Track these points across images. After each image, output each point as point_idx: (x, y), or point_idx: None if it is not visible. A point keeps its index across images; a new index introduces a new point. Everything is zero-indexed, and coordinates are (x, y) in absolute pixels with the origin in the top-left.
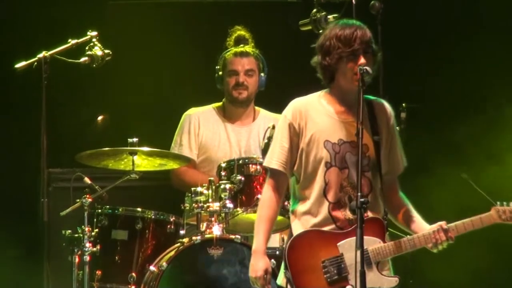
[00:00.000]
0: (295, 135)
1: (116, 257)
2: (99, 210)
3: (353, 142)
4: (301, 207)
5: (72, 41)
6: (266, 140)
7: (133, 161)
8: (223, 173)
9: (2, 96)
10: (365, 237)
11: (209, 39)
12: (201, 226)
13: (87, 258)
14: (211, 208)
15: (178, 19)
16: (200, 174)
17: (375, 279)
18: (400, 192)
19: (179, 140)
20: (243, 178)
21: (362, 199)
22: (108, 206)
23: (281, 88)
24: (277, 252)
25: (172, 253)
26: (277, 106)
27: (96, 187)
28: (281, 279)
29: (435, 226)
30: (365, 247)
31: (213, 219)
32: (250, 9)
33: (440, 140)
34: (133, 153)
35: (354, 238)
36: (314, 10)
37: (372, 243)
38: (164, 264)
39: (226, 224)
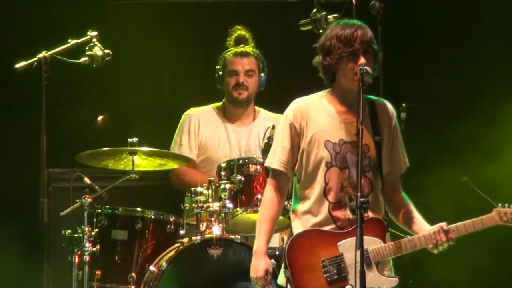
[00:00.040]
0: (296, 135)
1: (116, 257)
2: (99, 210)
3: (354, 142)
4: (302, 207)
5: (72, 41)
6: (266, 140)
7: (133, 161)
8: (223, 173)
9: (2, 96)
10: (365, 237)
11: (209, 39)
12: (201, 226)
13: (87, 258)
14: (211, 208)
15: (178, 19)
16: (200, 174)
17: (375, 279)
18: (402, 192)
19: (179, 140)
20: (243, 178)
21: (362, 199)
22: (108, 206)
23: (281, 88)
24: (277, 252)
25: (172, 253)
26: (277, 106)
27: (96, 187)
28: (281, 279)
29: (435, 227)
30: (365, 247)
31: (213, 219)
32: (250, 9)
33: (440, 140)
34: (133, 153)
35: (354, 238)
36: (314, 10)
37: (372, 243)
38: (164, 264)
39: (226, 224)
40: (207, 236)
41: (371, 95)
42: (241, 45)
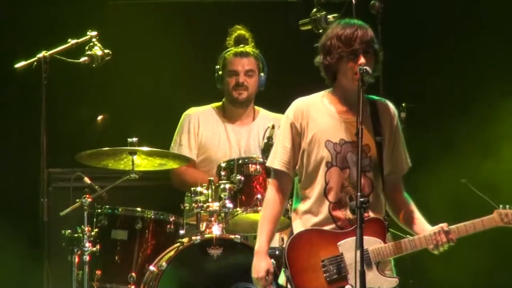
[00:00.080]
0: (297, 135)
1: (116, 257)
2: (99, 210)
3: (354, 142)
4: (302, 206)
5: (72, 41)
6: (265, 140)
7: (132, 161)
8: (222, 173)
9: (2, 96)
10: (365, 237)
11: (209, 39)
12: (200, 226)
13: (86, 258)
14: (210, 208)
15: (178, 19)
16: (200, 173)
17: (374, 279)
18: (405, 193)
19: (179, 139)
20: (242, 178)
21: (362, 199)
22: (107, 206)
23: (281, 88)
24: (277, 252)
25: (172, 253)
26: (277, 106)
27: (96, 187)
28: (282, 279)
29: (436, 228)
30: (365, 247)
31: (212, 219)
32: (250, 9)
33: (440, 139)
34: (133, 153)
35: (354, 237)
36: (314, 9)
37: (373, 243)
38: (164, 264)
39: (226, 224)
40: (207, 236)
41: (372, 95)
42: (241, 45)
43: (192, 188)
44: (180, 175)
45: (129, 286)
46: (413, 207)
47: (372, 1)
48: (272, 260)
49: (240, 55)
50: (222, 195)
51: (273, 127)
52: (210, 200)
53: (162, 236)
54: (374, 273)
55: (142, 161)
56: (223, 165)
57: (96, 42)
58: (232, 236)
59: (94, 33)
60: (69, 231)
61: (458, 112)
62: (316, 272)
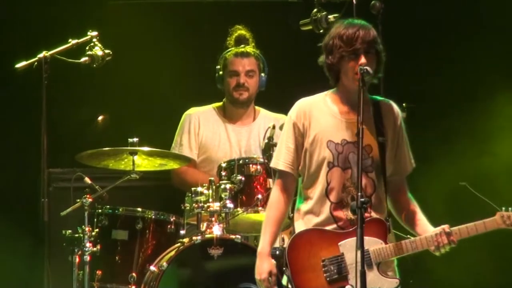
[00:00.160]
0: (299, 135)
1: (117, 257)
2: (100, 210)
3: (356, 142)
4: (304, 206)
5: (73, 41)
6: (266, 140)
7: (133, 161)
8: (223, 173)
9: (2, 96)
10: (366, 237)
11: (209, 39)
12: (201, 226)
13: (87, 258)
14: (211, 208)
15: (178, 19)
16: (200, 173)
17: (375, 279)
18: (409, 194)
19: (179, 140)
20: (243, 178)
21: (363, 199)
22: (108, 206)
23: (282, 88)
24: (278, 252)
25: (173, 253)
26: (277, 106)
27: (97, 187)
28: (285, 279)
29: (438, 229)
30: (366, 248)
31: (213, 219)
32: (250, 9)
33: (440, 139)
34: (134, 153)
35: (355, 238)
36: (315, 10)
37: (374, 244)
38: (165, 264)
39: (226, 224)
40: (207, 236)
41: (374, 95)
42: (242, 45)
43: (193, 188)
44: (180, 175)
45: (129, 286)
46: (416, 208)
47: (373, 1)
48: (273, 260)
49: (241, 55)
50: (222, 195)
51: (273, 127)
52: (210, 200)
53: (162, 236)
54: (375, 274)
55: (142, 161)
56: (223, 165)
57: (96, 42)
58: (233, 236)
59: (95, 33)
60: (69, 231)
61: (458, 112)
62: (316, 272)
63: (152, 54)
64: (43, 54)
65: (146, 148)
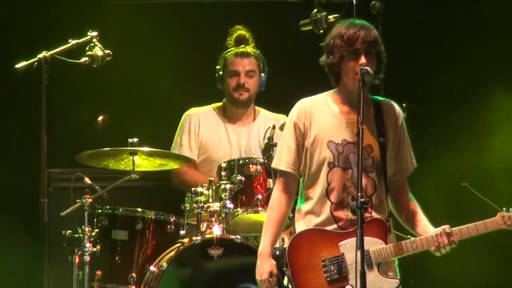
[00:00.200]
0: (300, 135)
1: (116, 257)
2: (99, 210)
3: (356, 143)
4: (305, 207)
5: (73, 41)
6: (266, 140)
7: (133, 161)
8: (223, 173)
9: (2, 96)
10: (367, 238)
11: (209, 39)
12: (201, 226)
13: (87, 258)
14: (211, 208)
15: (178, 19)
16: (200, 174)
17: (375, 280)
18: (410, 194)
19: (179, 140)
20: (243, 178)
21: (363, 199)
22: (108, 206)
23: (282, 88)
24: (277, 252)
25: (172, 253)
26: (277, 106)
27: (97, 187)
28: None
29: (438, 230)
30: (366, 248)
31: (213, 219)
32: (250, 9)
33: (440, 139)
34: (133, 153)
35: (356, 238)
36: (315, 10)
37: (374, 244)
38: (164, 264)
39: (226, 224)
40: (207, 236)
41: (374, 95)
42: (242, 45)
43: (193, 189)
44: (180, 175)
45: (129, 286)
46: (417, 208)
47: (373, 2)
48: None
49: (241, 56)
50: (222, 196)
51: (273, 127)
52: (210, 200)
53: (162, 237)
54: (375, 274)
55: (142, 161)
56: (223, 165)
57: (96, 43)
58: (233, 237)
59: (95, 33)
60: (69, 231)
61: (457, 110)
62: (316, 272)
63: (152, 54)
64: (43, 54)
65: (146, 148)
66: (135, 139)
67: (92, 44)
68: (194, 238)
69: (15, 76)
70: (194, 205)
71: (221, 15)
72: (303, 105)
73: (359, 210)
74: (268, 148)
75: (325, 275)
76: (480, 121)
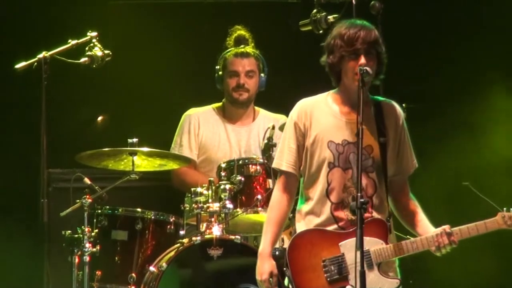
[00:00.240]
0: (300, 135)
1: (116, 258)
2: (99, 211)
3: (356, 143)
4: (305, 207)
5: (72, 42)
6: (266, 141)
7: (133, 161)
8: (223, 174)
9: (2, 96)
10: (367, 238)
11: (209, 39)
12: (201, 226)
13: (87, 258)
14: (211, 209)
15: (178, 19)
16: (200, 175)
17: (375, 280)
18: (411, 194)
19: (179, 140)
20: (243, 179)
21: (362, 200)
22: (108, 207)
23: (281, 88)
24: (277, 253)
25: (172, 253)
26: (277, 106)
27: (96, 187)
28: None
29: (438, 230)
30: (367, 248)
31: (213, 219)
32: (250, 9)
33: (440, 139)
34: (133, 153)
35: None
36: (314, 10)
37: (374, 244)
38: (164, 264)
39: (226, 224)
40: (207, 236)
41: (374, 95)
42: (242, 46)
43: (192, 189)
44: (180, 176)
45: (129, 286)
46: (418, 208)
47: (372, 2)
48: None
49: (241, 56)
50: (222, 196)
51: (273, 127)
52: (210, 200)
53: (162, 237)
54: (375, 274)
55: (142, 161)
56: (223, 165)
57: (96, 43)
58: (232, 237)
59: (94, 33)
60: (69, 231)
61: (456, 109)
62: (317, 272)
63: (152, 54)
64: (42, 54)
65: (145, 149)
66: (135, 140)
67: (91, 44)
68: (193, 238)
69: (15, 76)
70: (193, 205)
71: (221, 15)
72: (304, 105)
73: (358, 210)
74: (268, 149)
75: (325, 275)
76: (480, 121)
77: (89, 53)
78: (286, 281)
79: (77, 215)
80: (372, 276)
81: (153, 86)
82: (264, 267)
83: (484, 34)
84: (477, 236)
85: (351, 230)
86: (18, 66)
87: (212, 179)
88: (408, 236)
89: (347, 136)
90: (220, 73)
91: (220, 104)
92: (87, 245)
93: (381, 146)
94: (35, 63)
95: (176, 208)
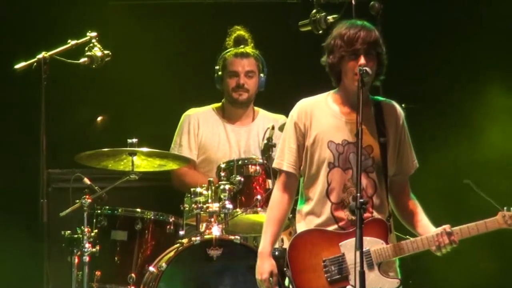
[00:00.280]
0: (301, 135)
1: (116, 258)
2: (99, 211)
3: (356, 143)
4: (306, 207)
5: (72, 42)
6: (265, 141)
7: (132, 161)
8: (222, 174)
9: (2, 96)
10: (368, 238)
11: (209, 39)
12: (200, 226)
13: (86, 258)
14: (210, 209)
15: (178, 19)
16: (200, 175)
17: (376, 280)
18: (411, 194)
19: (179, 140)
20: (242, 179)
21: (362, 200)
22: (107, 207)
23: (281, 89)
24: (277, 253)
25: (172, 253)
26: (276, 107)
27: (96, 187)
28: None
29: (439, 229)
30: (367, 248)
31: (212, 219)
32: (250, 9)
33: (441, 139)
34: (133, 153)
35: None
36: (314, 10)
37: (375, 244)
38: (164, 264)
39: (226, 224)
40: (206, 236)
41: (375, 95)
42: (241, 46)
43: (192, 189)
44: (180, 176)
45: (128, 287)
46: (419, 208)
47: (372, 2)
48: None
49: (241, 56)
50: (221, 196)
51: (273, 128)
52: (209, 201)
53: (161, 237)
54: (376, 274)
55: (142, 162)
56: (222, 166)
57: (96, 43)
58: (232, 237)
59: (94, 34)
60: (68, 232)
61: (458, 112)
62: (317, 272)
63: (152, 54)
64: (42, 54)
65: (145, 149)
66: (135, 140)
67: (91, 45)
68: (193, 238)
69: (15, 76)
70: (193, 205)
71: (220, 15)
72: (304, 105)
73: (358, 210)
74: (267, 149)
75: (325, 275)
76: (480, 121)
77: (88, 53)
78: (286, 282)
79: (76, 215)
80: (373, 276)
81: (153, 86)
82: (264, 266)
83: (484, 34)
84: (477, 236)
85: (351, 230)
86: (17, 66)
87: (211, 179)
88: (407, 236)
89: (347, 136)
90: (220, 73)
91: (219, 104)
92: (87, 245)
93: (381, 146)
94: (35, 63)
95: (175, 208)
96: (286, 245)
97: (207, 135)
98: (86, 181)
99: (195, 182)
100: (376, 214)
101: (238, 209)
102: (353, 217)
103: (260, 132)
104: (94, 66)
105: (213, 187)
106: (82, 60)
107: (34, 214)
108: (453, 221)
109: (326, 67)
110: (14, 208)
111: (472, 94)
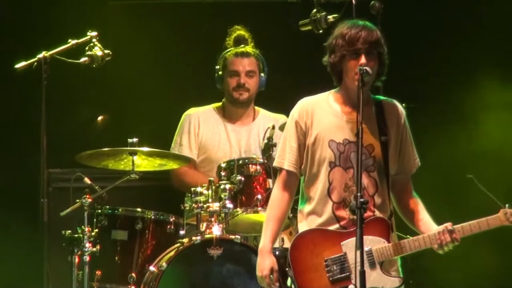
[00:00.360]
0: (301, 134)
1: (116, 257)
2: (99, 210)
3: (356, 142)
4: (307, 207)
5: (72, 41)
6: (266, 141)
7: (133, 161)
8: (223, 173)
9: (2, 96)
10: (369, 236)
11: (209, 39)
12: (201, 226)
13: (87, 258)
14: (211, 208)
15: (178, 19)
16: (200, 174)
17: (378, 278)
18: (414, 193)
19: (179, 140)
20: (243, 178)
21: (362, 199)
22: (108, 206)
23: (281, 88)
24: (277, 253)
25: (172, 253)
26: (277, 106)
27: (96, 187)
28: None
29: (440, 227)
30: (369, 247)
31: (213, 219)
32: (250, 9)
33: (441, 139)
34: (133, 153)
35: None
36: (314, 10)
37: (376, 243)
38: (164, 264)
39: (226, 224)
40: (207, 236)
41: (376, 95)
42: (242, 45)
43: (192, 189)
44: (180, 176)
45: (129, 286)
46: (420, 206)
47: (372, 2)
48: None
49: (241, 55)
50: (222, 196)
51: (273, 127)
52: (210, 200)
53: (162, 237)
54: (378, 273)
55: (142, 161)
56: (223, 165)
57: (96, 43)
58: (232, 237)
59: (94, 33)
60: (69, 231)
61: (457, 112)
62: (319, 272)
63: (152, 54)
64: (42, 54)
65: (145, 149)
66: (135, 139)
67: (91, 44)
68: (193, 238)
69: (15, 76)
70: (193, 205)
71: (221, 15)
72: (305, 104)
73: (358, 210)
74: (268, 148)
75: (327, 274)
76: (480, 119)
77: (89, 53)
78: (288, 282)
79: (77, 215)
80: (375, 275)
81: (153, 86)
82: (265, 263)
83: (484, 34)
84: (478, 234)
85: (352, 229)
86: (18, 66)
87: (212, 179)
88: (408, 236)
89: (348, 135)
90: (220, 73)
91: (220, 104)
92: (87, 244)
93: (383, 145)
94: (35, 63)
95: (176, 208)
96: (287, 244)
97: (208, 134)
98: (87, 180)
99: (195, 181)
100: (378, 213)
101: (238, 209)
102: (354, 217)
103: (261, 132)
104: (94, 66)
105: (213, 187)
106: (83, 59)
107: (34, 214)
108: (454, 218)
109: (328, 66)
110: (15, 208)
111: (472, 94)
